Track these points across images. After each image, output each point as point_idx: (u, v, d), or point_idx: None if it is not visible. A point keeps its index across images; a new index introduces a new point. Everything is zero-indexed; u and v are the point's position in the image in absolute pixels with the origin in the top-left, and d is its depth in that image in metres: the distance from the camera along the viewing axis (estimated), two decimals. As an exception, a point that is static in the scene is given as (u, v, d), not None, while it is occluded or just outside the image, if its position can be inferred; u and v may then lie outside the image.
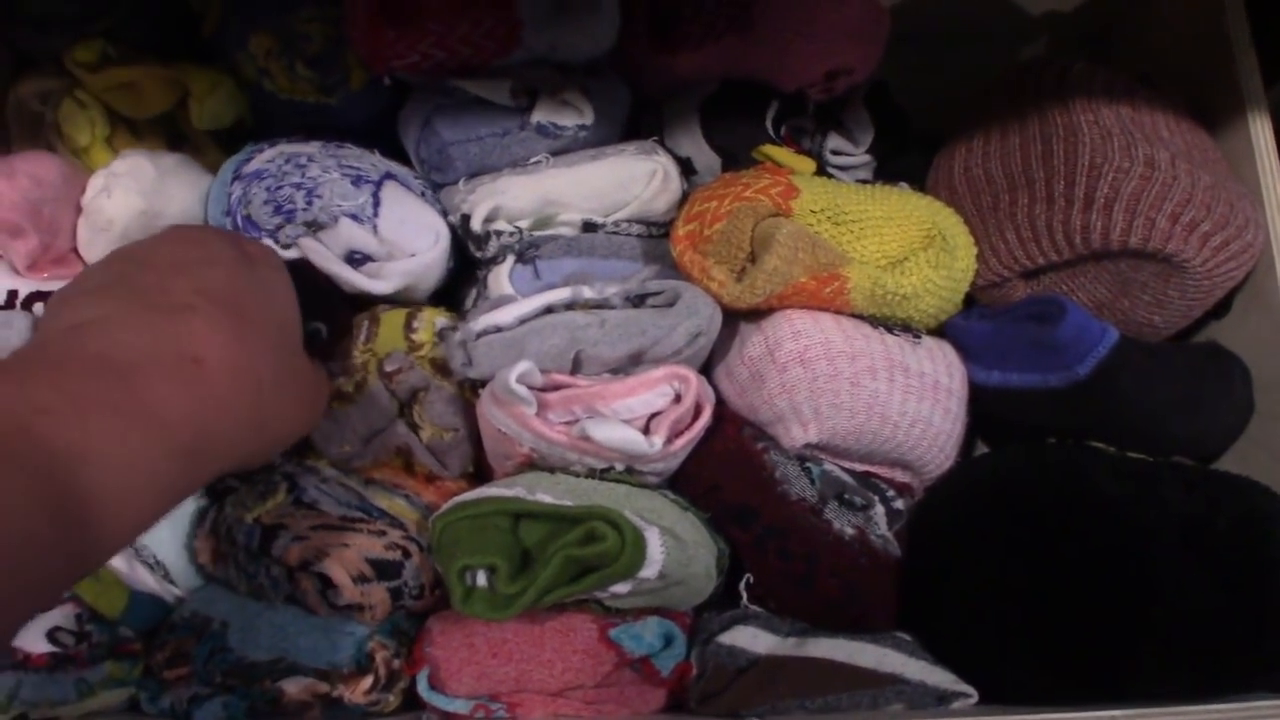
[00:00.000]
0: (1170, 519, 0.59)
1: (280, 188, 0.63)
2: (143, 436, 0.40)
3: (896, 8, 0.74)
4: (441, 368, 0.63)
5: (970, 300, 0.69)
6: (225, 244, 0.51)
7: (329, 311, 0.63)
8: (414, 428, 0.64)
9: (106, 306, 0.44)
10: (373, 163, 0.67)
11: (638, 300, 0.63)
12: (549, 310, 0.62)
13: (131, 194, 0.65)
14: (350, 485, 0.64)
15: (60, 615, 0.61)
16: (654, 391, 0.60)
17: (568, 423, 0.60)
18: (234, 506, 0.62)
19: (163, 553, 0.63)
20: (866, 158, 0.72)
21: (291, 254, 0.63)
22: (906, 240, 0.65)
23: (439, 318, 0.65)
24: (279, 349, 0.49)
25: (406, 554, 0.60)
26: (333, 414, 0.63)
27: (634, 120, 0.73)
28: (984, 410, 0.67)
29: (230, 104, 0.69)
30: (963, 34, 0.80)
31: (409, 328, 0.64)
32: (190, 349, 0.43)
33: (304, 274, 0.62)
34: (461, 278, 0.71)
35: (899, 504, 0.65)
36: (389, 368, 0.62)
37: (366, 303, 0.66)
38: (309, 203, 0.63)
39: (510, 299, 0.64)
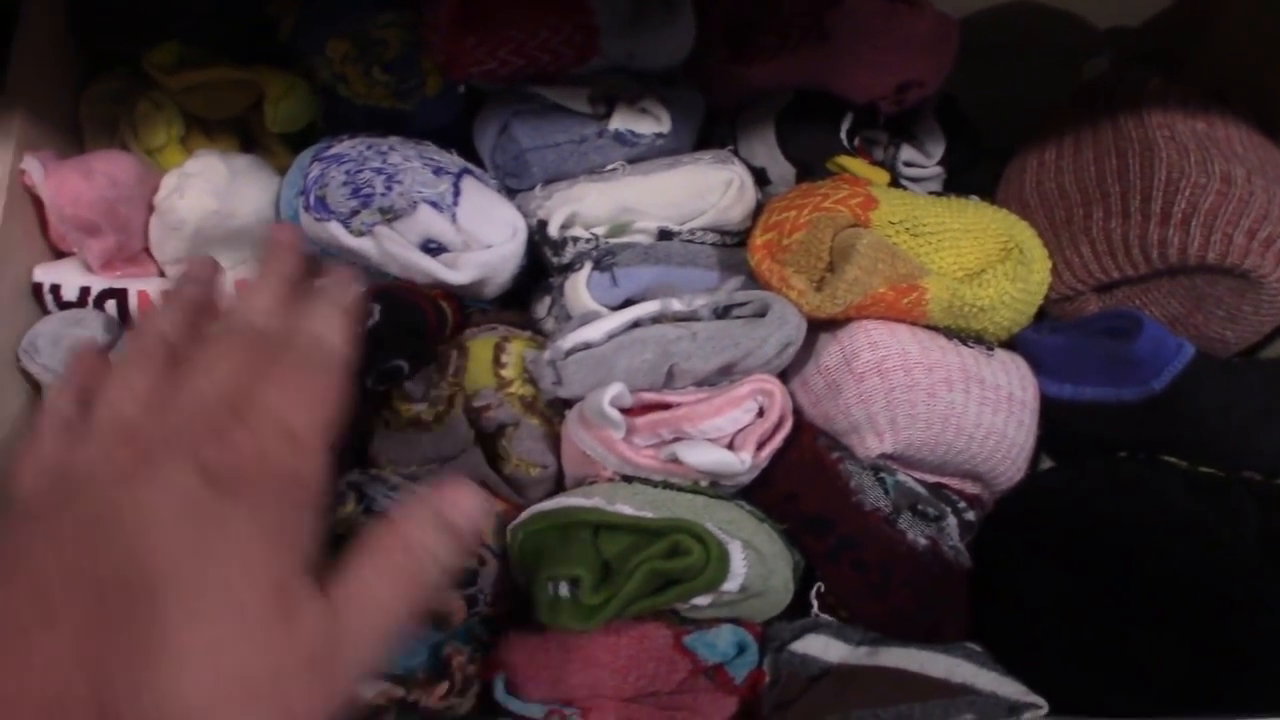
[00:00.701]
0: (1246, 533, 0.59)
1: (360, 171, 0.64)
2: None
3: (965, 22, 0.75)
4: (530, 405, 0.63)
5: (1041, 314, 0.70)
6: (185, 491, 0.36)
7: (413, 346, 0.63)
8: (496, 459, 0.64)
9: None
10: (452, 158, 0.68)
11: (723, 311, 0.63)
12: (636, 324, 0.62)
13: (204, 194, 0.65)
14: (420, 495, 0.64)
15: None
16: (741, 408, 0.60)
17: (654, 445, 0.60)
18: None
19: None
20: (938, 170, 0.72)
21: (364, 242, 0.63)
22: (984, 253, 0.65)
23: (527, 349, 0.65)
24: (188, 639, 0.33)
25: (482, 561, 0.60)
26: (405, 438, 0.63)
27: (707, 129, 0.73)
28: (1054, 423, 0.67)
29: (304, 108, 0.70)
30: (1029, 49, 0.80)
31: (498, 362, 0.64)
32: None
33: (393, 306, 0.62)
34: (532, 283, 0.71)
35: (970, 515, 0.65)
36: (478, 404, 0.62)
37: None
38: (388, 188, 0.63)
39: (596, 314, 0.64)
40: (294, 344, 0.42)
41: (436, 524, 0.39)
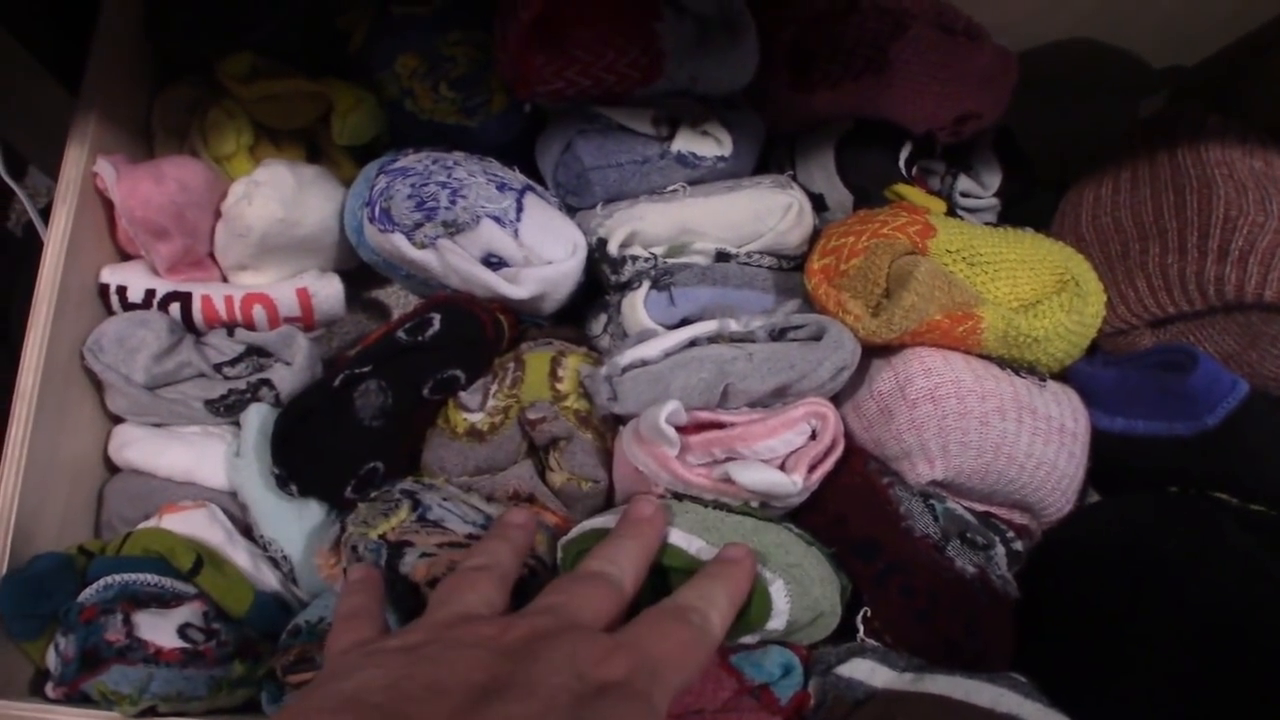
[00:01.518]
0: (1298, 573, 0.59)
1: (425, 185, 0.65)
2: None
3: (1023, 56, 0.75)
4: (584, 419, 0.64)
5: (1093, 346, 0.70)
6: (558, 665, 0.40)
7: (471, 357, 0.64)
8: (548, 472, 0.65)
9: None
10: (514, 175, 0.69)
11: (779, 334, 0.64)
12: (693, 344, 0.63)
13: (271, 202, 0.67)
14: (473, 504, 0.64)
15: (189, 612, 0.62)
16: (794, 430, 0.61)
17: (707, 464, 0.61)
18: (355, 525, 0.63)
19: (290, 549, 0.64)
20: (994, 201, 0.73)
21: (427, 255, 0.64)
22: (1040, 284, 0.65)
23: (583, 364, 0.66)
24: None
25: (534, 572, 0.61)
26: (459, 448, 0.64)
27: (765, 153, 0.74)
28: (1105, 456, 0.67)
29: (371, 121, 0.71)
30: (1086, 84, 0.81)
31: (554, 375, 0.65)
32: None
33: (452, 318, 0.63)
34: (587, 301, 0.72)
35: (1018, 545, 0.65)
36: (532, 416, 0.63)
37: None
38: (453, 202, 0.64)
39: (653, 332, 0.65)
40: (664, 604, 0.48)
41: None
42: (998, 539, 0.65)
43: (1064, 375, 0.69)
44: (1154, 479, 0.65)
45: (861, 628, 0.64)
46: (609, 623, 0.46)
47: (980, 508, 0.66)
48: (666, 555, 0.58)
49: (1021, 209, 0.75)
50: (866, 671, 0.62)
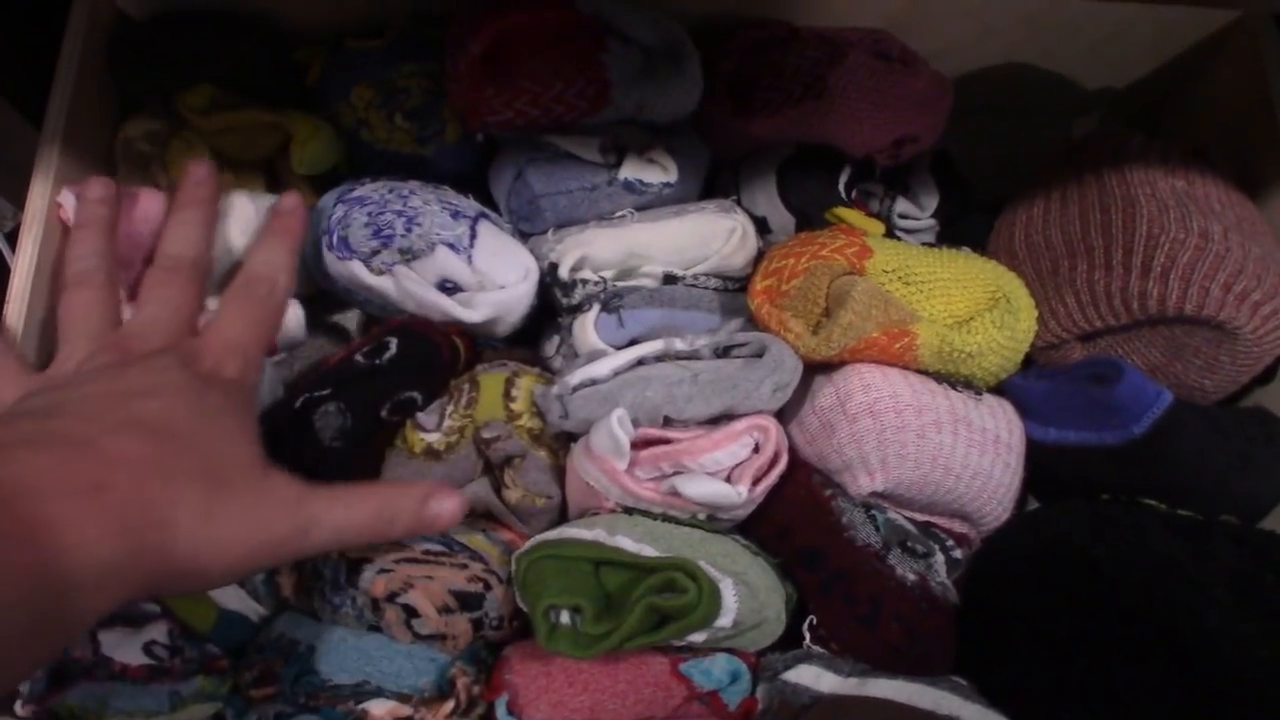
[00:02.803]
0: (1222, 574, 0.62)
1: (382, 213, 0.66)
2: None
3: (959, 81, 0.78)
4: (537, 437, 0.66)
5: (1029, 360, 0.73)
6: (174, 372, 0.52)
7: (428, 379, 0.66)
8: (503, 489, 0.67)
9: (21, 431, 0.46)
10: (469, 203, 0.71)
11: (723, 351, 0.66)
12: (640, 363, 0.65)
13: (233, 231, 0.68)
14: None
15: (156, 630, 0.63)
16: (738, 444, 0.63)
17: (655, 478, 0.63)
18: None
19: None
20: (931, 221, 0.75)
21: (384, 281, 0.66)
22: (973, 301, 0.68)
23: (536, 385, 0.68)
24: (207, 478, 0.48)
25: (488, 586, 0.63)
26: (417, 467, 0.66)
27: (711, 179, 0.76)
28: (1040, 466, 0.69)
29: (329, 151, 0.73)
30: (1020, 107, 0.84)
31: (508, 396, 0.67)
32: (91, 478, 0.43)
33: (409, 341, 0.65)
34: (541, 323, 0.74)
35: (958, 553, 0.68)
36: (487, 435, 0.65)
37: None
38: (408, 229, 0.66)
39: (602, 353, 0.67)
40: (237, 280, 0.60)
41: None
42: (938, 547, 0.67)
43: (1000, 389, 0.72)
44: (1087, 487, 0.68)
45: (808, 635, 0.67)
46: (196, 310, 0.60)
47: (921, 517, 0.68)
48: (614, 555, 0.60)
49: (959, 229, 0.77)
50: (812, 677, 0.64)
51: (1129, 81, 0.83)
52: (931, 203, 0.75)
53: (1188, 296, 0.64)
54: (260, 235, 0.63)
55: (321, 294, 0.74)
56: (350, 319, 0.77)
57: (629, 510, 0.64)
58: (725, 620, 0.59)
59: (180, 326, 0.57)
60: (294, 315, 0.72)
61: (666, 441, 0.63)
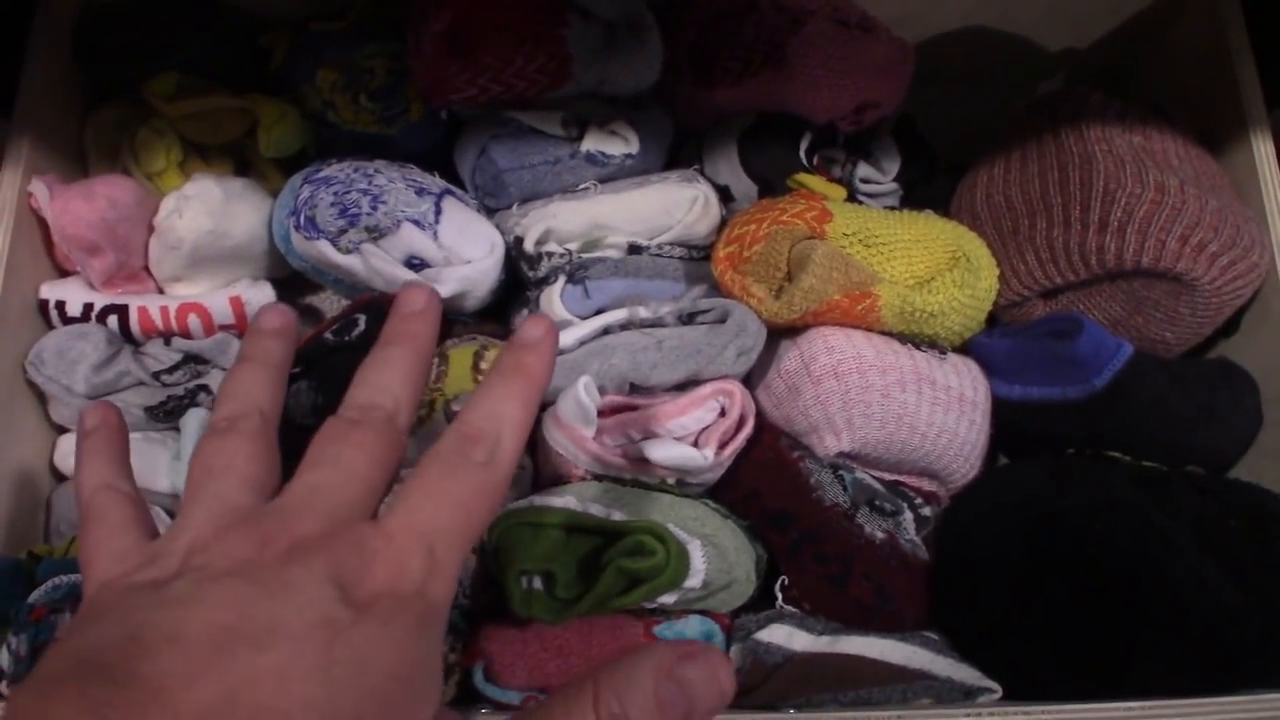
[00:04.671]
0: (1184, 521, 0.62)
1: (348, 192, 0.67)
2: None
3: (923, 46, 0.79)
4: None
5: (993, 319, 0.73)
6: (314, 595, 0.33)
7: None
8: None
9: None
10: (434, 180, 0.72)
11: (688, 318, 0.67)
12: (606, 331, 0.66)
13: (200, 215, 0.69)
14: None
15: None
16: (703, 408, 0.64)
17: (623, 445, 0.64)
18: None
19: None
20: (893, 185, 0.76)
21: (352, 259, 0.67)
22: (933, 261, 0.69)
23: None
24: None
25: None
26: None
27: (676, 149, 0.77)
28: (1006, 422, 0.70)
29: (296, 134, 0.74)
30: (984, 70, 0.84)
31: (476, 369, 0.68)
32: None
33: (377, 317, 0.66)
34: (510, 297, 0.75)
35: (926, 511, 0.69)
36: (457, 407, 0.66)
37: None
38: (374, 207, 0.67)
39: (568, 323, 0.68)
40: (445, 437, 0.38)
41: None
42: (906, 505, 0.68)
43: (965, 348, 0.72)
44: (1054, 442, 0.69)
45: (780, 596, 0.67)
46: (384, 480, 0.40)
47: (889, 476, 0.69)
48: (584, 521, 0.61)
49: (924, 192, 0.78)
50: (785, 636, 0.65)
51: (1090, 42, 0.83)
52: (893, 167, 0.76)
53: (1144, 249, 0.65)
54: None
55: (294, 275, 0.75)
56: (325, 300, 0.78)
57: (599, 477, 0.65)
58: (694, 581, 0.60)
59: (354, 504, 0.38)
60: (267, 295, 0.73)
61: (633, 408, 0.64)
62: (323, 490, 0.38)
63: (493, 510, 0.38)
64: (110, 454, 0.44)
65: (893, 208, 0.75)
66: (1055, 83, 0.87)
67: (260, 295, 0.73)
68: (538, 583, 0.60)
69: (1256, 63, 0.73)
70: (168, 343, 0.71)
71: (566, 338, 0.65)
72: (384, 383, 0.41)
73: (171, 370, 0.70)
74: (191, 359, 0.71)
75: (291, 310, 0.47)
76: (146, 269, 0.72)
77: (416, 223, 0.68)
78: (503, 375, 0.40)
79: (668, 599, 0.61)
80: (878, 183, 0.76)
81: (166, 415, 0.69)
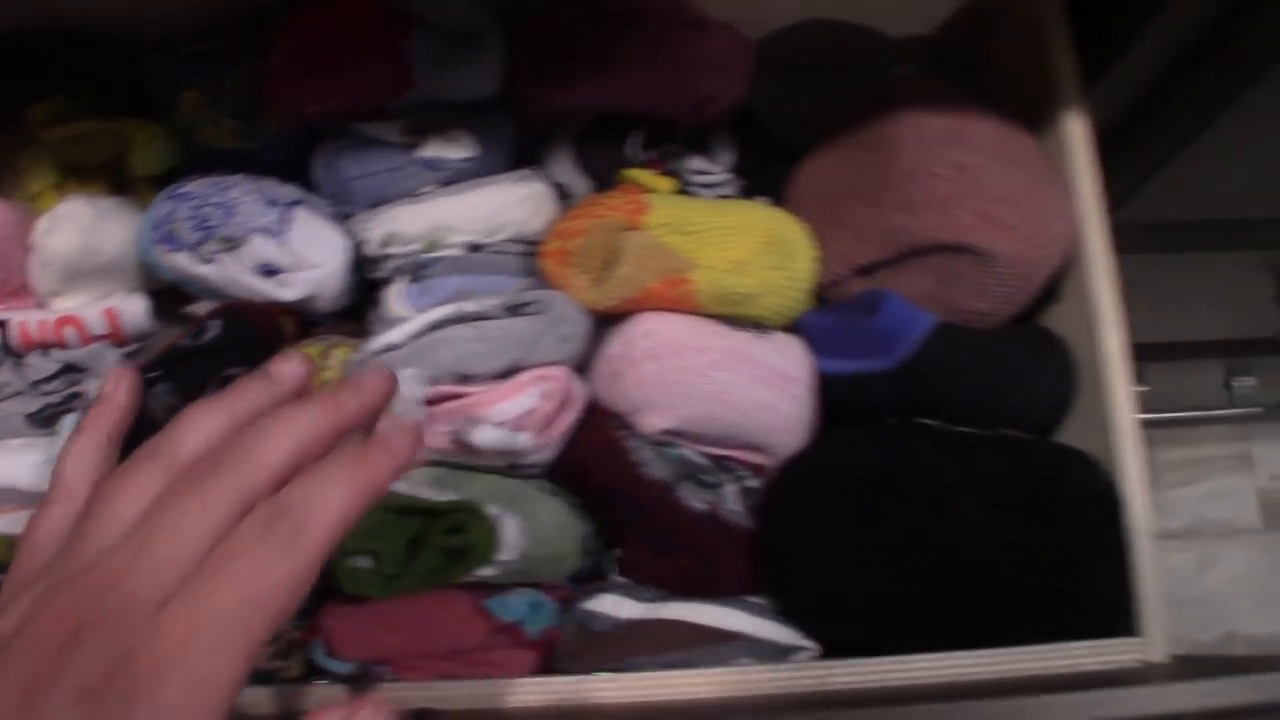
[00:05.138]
0: (978, 480, 0.65)
1: (204, 206, 0.72)
2: None
3: (771, 40, 0.82)
4: None
5: (823, 300, 0.76)
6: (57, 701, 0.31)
7: (249, 357, 0.71)
8: None
9: None
10: (288, 190, 0.76)
11: (515, 310, 0.71)
12: (436, 326, 0.70)
13: (72, 233, 0.74)
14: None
15: None
16: (524, 394, 0.68)
17: (450, 432, 0.68)
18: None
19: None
20: (727, 176, 0.79)
21: (209, 269, 0.72)
22: (749, 246, 0.72)
23: (350, 354, 0.73)
24: None
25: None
26: None
27: (527, 150, 0.81)
28: (831, 396, 0.73)
29: (166, 153, 0.79)
30: (836, 61, 0.86)
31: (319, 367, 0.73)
32: None
33: (232, 323, 0.71)
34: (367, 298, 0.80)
35: (752, 483, 0.72)
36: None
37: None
38: (226, 219, 0.72)
39: (402, 319, 0.72)
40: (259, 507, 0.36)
41: None
42: (729, 478, 0.72)
43: (794, 328, 0.75)
44: (872, 412, 0.72)
45: (616, 567, 0.71)
46: (208, 536, 0.35)
47: (717, 451, 0.73)
48: (410, 503, 0.65)
49: (764, 181, 0.81)
50: (613, 605, 0.69)
51: (935, 27, 0.86)
52: (726, 158, 0.79)
53: (942, 226, 0.68)
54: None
55: (169, 287, 0.80)
56: (201, 309, 0.83)
57: (433, 462, 0.69)
58: (509, 555, 0.64)
59: (168, 569, 0.34)
60: (139, 306, 0.78)
61: (460, 397, 0.68)
62: (149, 553, 0.34)
63: (291, 602, 0.35)
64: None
65: (727, 196, 0.79)
66: (908, 70, 0.90)
67: (134, 306, 0.78)
68: (364, 561, 0.64)
69: (1074, 40, 0.75)
70: (46, 353, 0.76)
71: (396, 334, 0.69)
72: (275, 439, 0.38)
73: (50, 379, 0.75)
74: (70, 368, 0.76)
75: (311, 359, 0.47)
76: (27, 286, 0.77)
77: (265, 231, 0.72)
78: (341, 463, 0.38)
79: (488, 572, 0.65)
80: (710, 173, 0.79)
81: (44, 422, 0.74)
